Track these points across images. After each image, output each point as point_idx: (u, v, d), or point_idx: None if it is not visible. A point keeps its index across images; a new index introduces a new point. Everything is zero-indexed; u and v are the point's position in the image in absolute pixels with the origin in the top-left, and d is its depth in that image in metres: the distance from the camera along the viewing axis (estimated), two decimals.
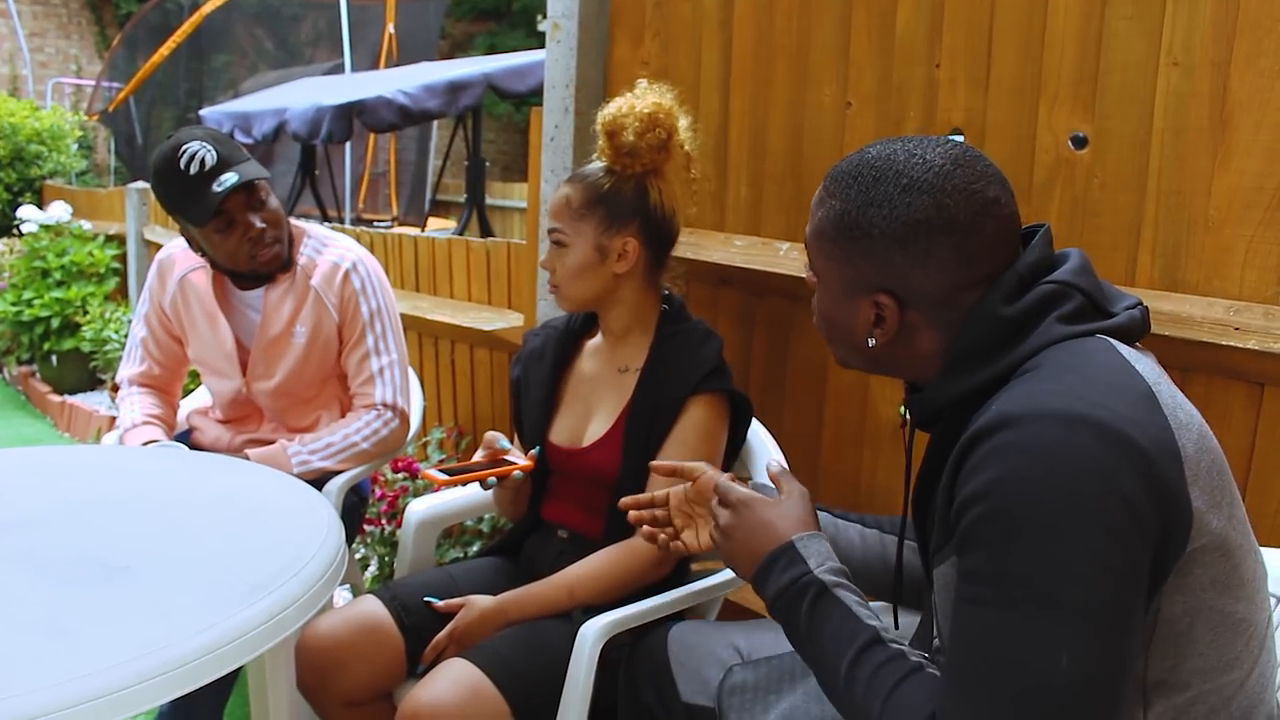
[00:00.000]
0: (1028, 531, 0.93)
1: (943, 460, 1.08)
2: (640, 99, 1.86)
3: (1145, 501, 0.93)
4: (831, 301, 1.19)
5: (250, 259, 2.16)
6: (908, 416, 1.23)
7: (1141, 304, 1.11)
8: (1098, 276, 1.13)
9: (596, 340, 1.97)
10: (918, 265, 1.09)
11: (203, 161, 2.03)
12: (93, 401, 5.34)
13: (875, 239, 1.10)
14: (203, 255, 2.22)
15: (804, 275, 2.13)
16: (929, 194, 1.08)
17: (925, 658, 1.08)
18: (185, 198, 2.06)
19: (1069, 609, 0.92)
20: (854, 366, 1.24)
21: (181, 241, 2.31)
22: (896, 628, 1.29)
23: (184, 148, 2.03)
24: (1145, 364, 1.04)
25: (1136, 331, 1.09)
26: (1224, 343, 1.60)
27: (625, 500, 1.53)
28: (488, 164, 7.44)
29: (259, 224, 2.12)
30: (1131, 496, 0.93)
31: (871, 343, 1.15)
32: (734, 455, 1.93)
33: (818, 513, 1.33)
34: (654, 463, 1.58)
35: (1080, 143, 1.78)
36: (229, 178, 2.04)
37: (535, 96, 4.04)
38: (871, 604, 1.16)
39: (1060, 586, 0.92)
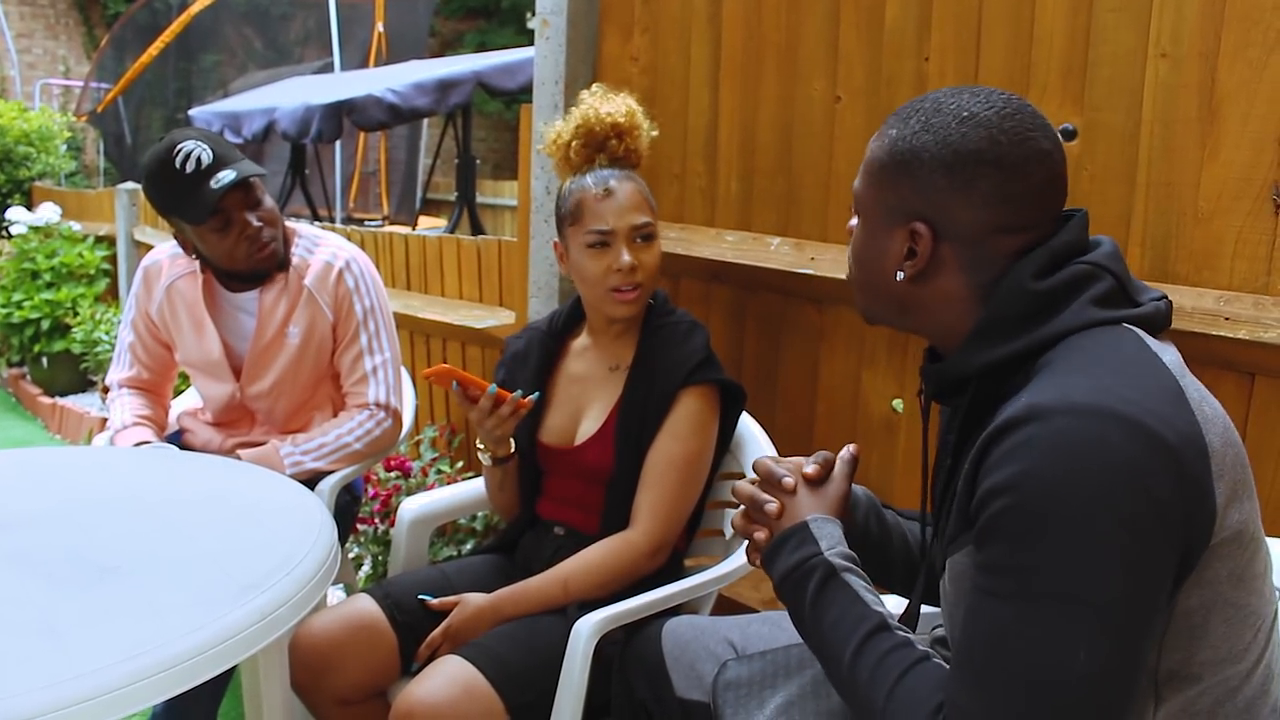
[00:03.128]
0: (1052, 526, 0.92)
1: (961, 445, 1.08)
2: (619, 101, 1.91)
3: (1172, 498, 0.93)
4: (868, 236, 1.18)
5: (248, 258, 2.14)
6: (921, 388, 1.21)
7: (1166, 297, 1.11)
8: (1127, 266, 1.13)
9: (583, 339, 1.97)
10: (960, 194, 1.09)
11: (199, 160, 2.02)
12: (84, 403, 5.32)
13: (924, 162, 1.10)
14: (197, 257, 2.21)
15: (797, 270, 2.15)
16: (984, 128, 1.08)
17: (931, 647, 1.07)
18: (182, 197, 2.05)
19: (1089, 605, 0.91)
20: (878, 316, 1.22)
21: (167, 247, 2.30)
22: (918, 614, 1.29)
23: (179, 147, 2.02)
24: (1170, 356, 1.03)
25: (1161, 323, 1.09)
26: (1214, 333, 1.61)
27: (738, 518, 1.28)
28: (478, 162, 7.41)
29: (256, 222, 2.11)
30: (1159, 493, 0.92)
31: (900, 275, 1.14)
32: (725, 445, 1.93)
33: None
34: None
35: (1069, 135, 1.79)
36: (226, 175, 2.03)
37: (525, 94, 4.03)
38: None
39: (1082, 583, 0.92)
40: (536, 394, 1.86)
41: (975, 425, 1.02)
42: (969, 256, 1.11)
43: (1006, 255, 1.09)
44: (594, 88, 1.95)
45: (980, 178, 1.08)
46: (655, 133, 1.96)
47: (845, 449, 1.32)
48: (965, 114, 1.09)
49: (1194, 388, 1.01)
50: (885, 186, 1.15)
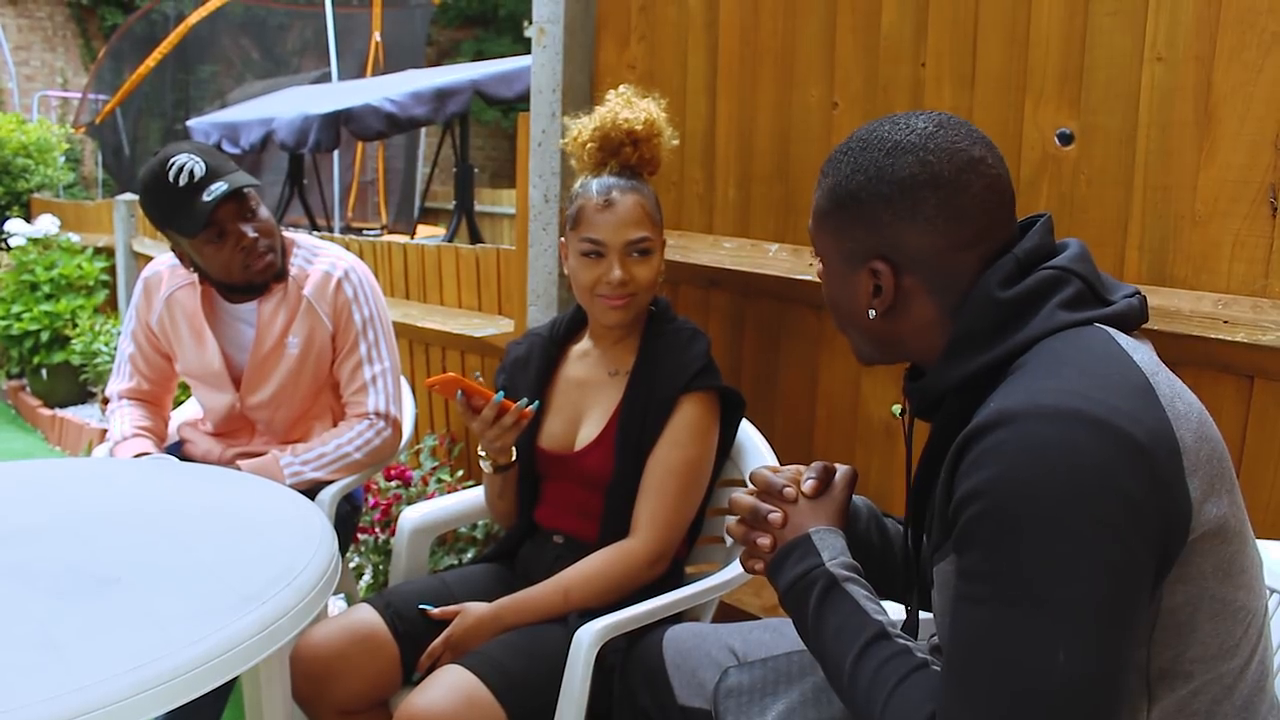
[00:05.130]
0: (1026, 529, 0.93)
1: (942, 456, 1.08)
2: (642, 107, 1.89)
3: (1144, 496, 0.93)
4: (835, 284, 1.19)
5: (244, 269, 2.14)
6: (906, 407, 1.22)
7: (1139, 293, 1.11)
8: (1096, 266, 1.13)
9: (583, 345, 1.97)
10: (907, 223, 1.10)
11: (191, 173, 2.02)
12: (83, 414, 5.32)
13: (864, 203, 1.11)
14: (195, 270, 2.21)
15: (795, 277, 2.15)
16: (912, 153, 1.09)
17: (929, 655, 1.08)
18: (175, 210, 2.05)
19: (1067, 607, 0.91)
20: (870, 356, 1.23)
21: (167, 259, 2.30)
22: (916, 621, 1.29)
23: (172, 160, 2.03)
24: (1143, 353, 1.03)
25: (1134, 320, 1.09)
26: (1213, 336, 1.61)
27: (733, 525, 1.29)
28: (476, 170, 7.42)
29: (251, 233, 2.11)
30: (1130, 492, 0.92)
31: (872, 314, 1.15)
32: (725, 452, 1.93)
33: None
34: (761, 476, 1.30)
35: (1066, 139, 1.79)
36: (218, 187, 2.03)
37: (522, 102, 4.04)
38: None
39: (1058, 585, 0.92)
40: (536, 403, 1.86)
41: (954, 437, 1.02)
42: (934, 281, 1.12)
43: (971, 269, 1.10)
44: (621, 89, 1.93)
45: (921, 202, 1.09)
46: (676, 141, 1.95)
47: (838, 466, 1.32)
48: (890, 144, 1.11)
49: (1166, 384, 1.01)
50: (836, 234, 1.16)
